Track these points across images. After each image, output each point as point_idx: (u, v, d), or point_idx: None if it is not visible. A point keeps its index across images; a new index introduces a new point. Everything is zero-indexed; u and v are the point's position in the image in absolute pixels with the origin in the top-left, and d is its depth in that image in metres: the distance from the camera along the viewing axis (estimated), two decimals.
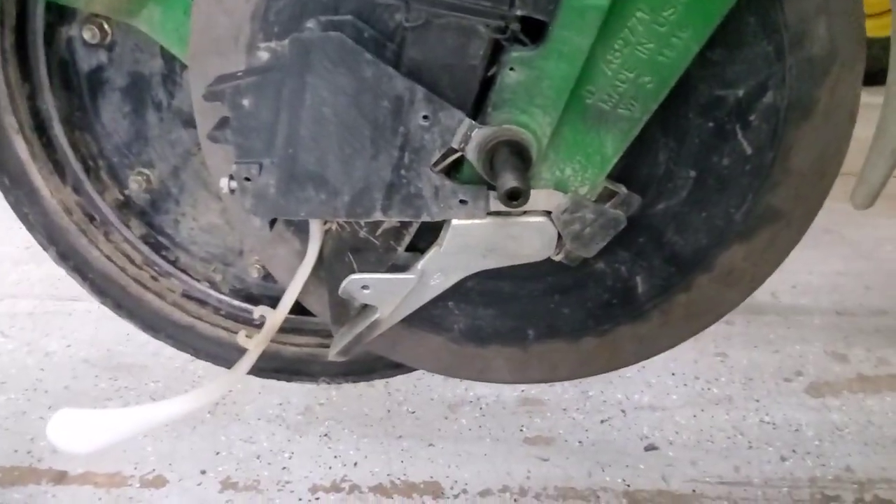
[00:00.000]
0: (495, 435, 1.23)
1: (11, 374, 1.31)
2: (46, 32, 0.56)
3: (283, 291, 0.60)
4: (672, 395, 1.30)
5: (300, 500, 1.07)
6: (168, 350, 1.43)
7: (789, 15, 0.46)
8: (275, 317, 0.59)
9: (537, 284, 0.57)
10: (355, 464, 1.13)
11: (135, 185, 0.63)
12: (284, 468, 1.13)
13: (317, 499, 1.07)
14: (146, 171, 0.63)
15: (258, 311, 0.60)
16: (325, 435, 1.20)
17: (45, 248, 0.61)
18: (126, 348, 1.39)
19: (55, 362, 1.35)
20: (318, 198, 0.49)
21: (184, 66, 0.59)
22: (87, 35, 0.56)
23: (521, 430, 1.25)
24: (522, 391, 1.30)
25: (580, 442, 1.23)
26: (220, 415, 1.25)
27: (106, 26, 0.57)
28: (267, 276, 0.66)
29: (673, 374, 1.33)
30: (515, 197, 0.42)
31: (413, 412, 1.28)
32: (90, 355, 1.41)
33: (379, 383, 1.28)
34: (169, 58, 0.59)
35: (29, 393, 1.28)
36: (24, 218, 0.60)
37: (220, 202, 0.65)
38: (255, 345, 0.59)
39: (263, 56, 0.50)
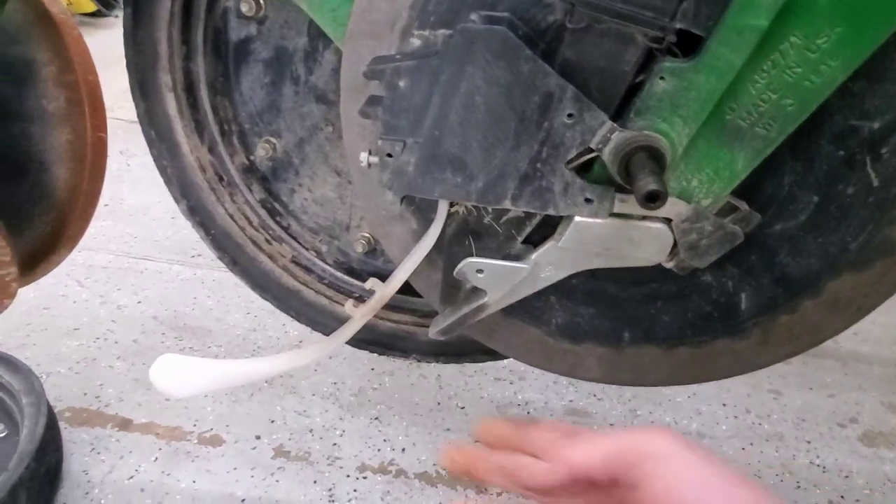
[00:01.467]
0: None
1: (84, 322, 1.38)
2: (209, 1, 0.60)
3: (384, 268, 0.63)
4: (722, 425, 1.30)
5: (348, 476, 1.10)
6: (231, 317, 1.49)
7: None
8: (385, 290, 0.61)
9: (641, 289, 0.59)
10: (403, 450, 1.16)
11: (261, 152, 0.67)
12: (335, 444, 1.17)
13: (364, 477, 1.10)
14: (273, 139, 0.67)
15: (370, 282, 0.62)
16: (376, 418, 1.23)
17: (176, 201, 0.66)
18: (193, 311, 1.45)
19: (125, 316, 1.42)
20: (454, 180, 0.52)
21: (326, 46, 0.63)
22: (244, 7, 0.60)
23: None
24: (571, 401, 1.31)
25: None
26: (276, 386, 1.30)
27: (262, 1, 0.61)
28: (370, 252, 0.70)
29: (724, 405, 1.33)
30: (654, 199, 0.44)
31: (462, 407, 1.30)
32: (158, 313, 1.46)
33: (431, 376, 1.31)
34: (314, 36, 0.63)
35: (100, 342, 1.35)
36: (162, 170, 0.64)
37: (336, 177, 0.68)
38: (360, 315, 0.62)
39: (415, 43, 0.53)
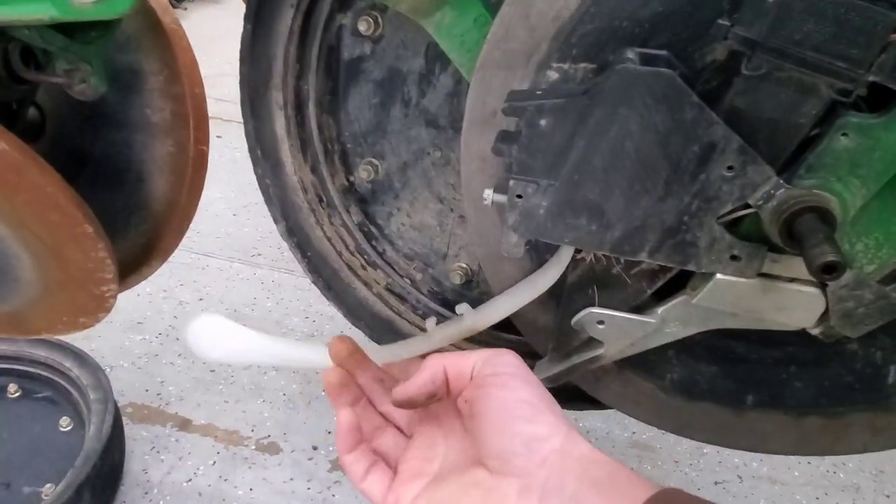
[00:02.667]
0: None
1: (148, 317, 1.39)
2: (327, 18, 0.57)
3: (479, 301, 0.59)
4: (794, 471, 1.24)
5: None
6: (290, 321, 1.47)
7: None
8: (476, 320, 0.58)
9: (774, 352, 0.54)
10: None
11: (363, 174, 0.64)
12: None
13: None
14: (376, 161, 0.64)
15: (462, 307, 0.59)
16: None
17: (276, 222, 0.63)
18: (252, 312, 1.44)
19: (187, 312, 1.42)
20: (588, 227, 0.48)
21: (443, 69, 0.60)
22: (361, 26, 0.57)
23: None
24: (634, 433, 1.26)
25: None
26: None
27: (380, 19, 0.58)
28: (466, 284, 0.66)
29: None
30: (831, 271, 0.39)
31: None
32: (219, 312, 1.46)
33: None
34: (431, 59, 0.59)
35: (162, 337, 1.35)
36: (265, 190, 0.62)
37: (438, 204, 0.65)
38: (439, 336, 0.58)
39: (552, 76, 0.50)
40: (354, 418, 0.51)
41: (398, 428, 0.54)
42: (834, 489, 1.17)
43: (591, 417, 1.24)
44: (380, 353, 0.61)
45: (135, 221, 0.66)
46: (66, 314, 0.58)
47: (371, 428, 0.53)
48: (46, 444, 1.04)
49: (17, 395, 1.11)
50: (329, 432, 1.17)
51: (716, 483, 1.15)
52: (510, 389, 0.45)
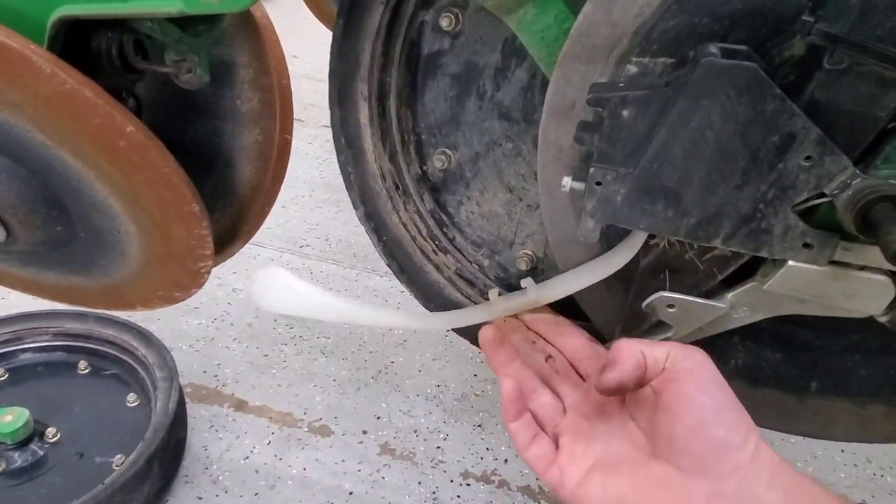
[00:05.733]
0: None
1: (203, 302, 1.44)
2: (411, 15, 0.61)
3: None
4: (840, 472, 1.23)
5: (451, 481, 1.11)
6: None
7: None
8: (539, 294, 0.60)
9: (840, 339, 0.56)
10: (506, 460, 1.15)
11: (437, 163, 0.67)
12: (439, 447, 1.17)
13: (468, 484, 1.10)
14: (449, 151, 0.67)
15: (526, 281, 0.61)
16: (479, 425, 1.23)
17: (355, 206, 0.67)
18: None
19: (240, 299, 1.47)
20: (664, 214, 0.50)
21: (518, 64, 0.63)
22: (443, 22, 0.61)
23: None
24: None
25: None
26: (381, 382, 1.32)
27: (461, 16, 0.61)
28: (531, 270, 0.69)
29: (842, 451, 1.26)
30: None
31: None
32: None
33: None
34: (508, 54, 0.62)
35: (217, 322, 1.41)
36: (346, 176, 0.66)
37: (507, 193, 0.68)
38: (502, 307, 0.60)
39: (632, 70, 0.52)
40: (517, 386, 0.52)
41: (554, 391, 0.55)
42: (881, 492, 1.16)
43: None
44: (440, 320, 0.64)
45: (221, 205, 0.70)
46: (162, 288, 0.63)
47: (527, 390, 0.54)
48: (114, 419, 1.10)
49: (87, 371, 1.17)
50: (378, 417, 1.21)
51: None
52: (707, 390, 0.45)
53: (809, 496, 0.42)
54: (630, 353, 0.49)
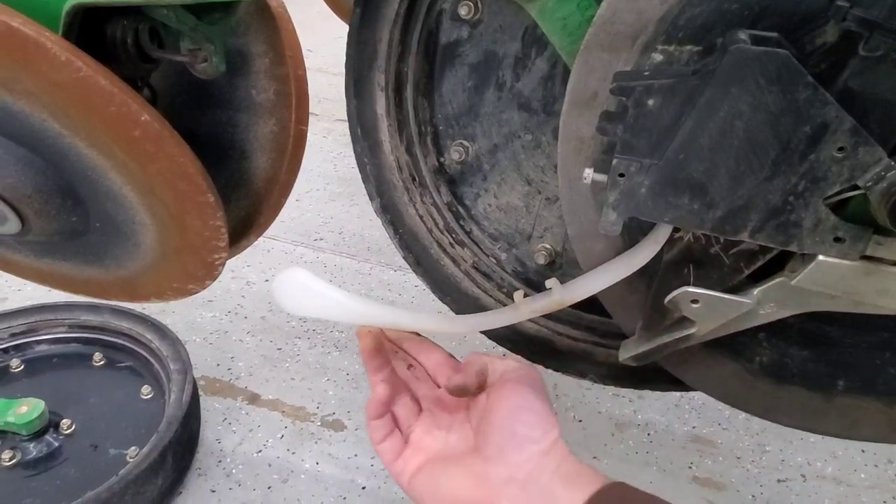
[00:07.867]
0: (662, 465, 1.19)
1: (217, 295, 1.44)
2: (430, 2, 0.60)
3: (561, 280, 0.60)
4: (860, 472, 1.21)
5: None
6: None
7: None
8: (565, 295, 0.59)
9: (869, 337, 0.54)
10: None
11: (454, 155, 0.66)
12: None
13: None
14: (467, 143, 0.66)
15: (551, 282, 0.60)
16: None
17: (371, 198, 0.66)
18: None
19: (254, 292, 1.47)
20: (689, 206, 0.49)
21: (539, 54, 0.61)
22: (462, 11, 0.60)
23: (690, 468, 1.21)
24: (694, 427, 1.26)
25: (753, 496, 1.17)
26: None
27: (480, 4, 0.60)
28: (550, 264, 0.68)
29: (863, 451, 1.24)
30: None
31: (580, 421, 1.28)
32: None
33: (547, 383, 1.29)
34: (528, 43, 0.61)
35: (231, 315, 1.41)
36: (362, 167, 0.65)
37: (526, 186, 0.67)
38: (527, 309, 0.59)
39: (657, 58, 0.51)
40: (389, 393, 0.59)
41: (413, 398, 0.62)
42: None
43: (650, 411, 1.24)
44: (465, 323, 0.63)
45: (235, 196, 0.70)
46: (177, 280, 0.62)
47: (394, 394, 0.60)
48: (129, 411, 1.10)
49: (102, 363, 1.17)
50: None
51: (779, 481, 1.13)
52: (521, 393, 0.53)
53: (584, 478, 0.49)
54: (476, 362, 0.57)
